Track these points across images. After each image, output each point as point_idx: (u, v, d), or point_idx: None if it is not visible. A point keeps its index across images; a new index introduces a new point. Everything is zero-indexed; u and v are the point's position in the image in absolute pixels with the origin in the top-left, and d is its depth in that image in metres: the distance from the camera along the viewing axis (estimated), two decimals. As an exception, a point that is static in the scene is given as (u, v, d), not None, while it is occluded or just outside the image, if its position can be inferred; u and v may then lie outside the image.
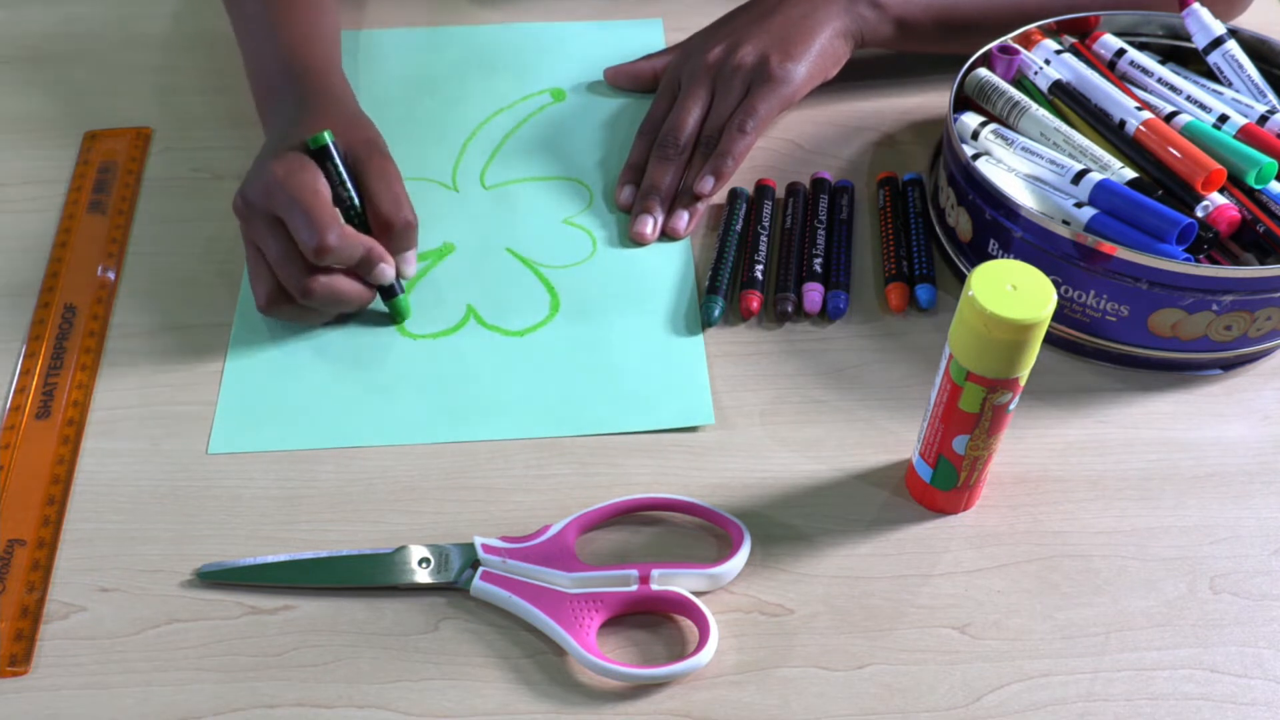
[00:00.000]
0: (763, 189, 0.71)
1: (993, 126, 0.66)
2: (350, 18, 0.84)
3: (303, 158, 0.61)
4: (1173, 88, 0.68)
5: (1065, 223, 0.61)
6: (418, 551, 0.54)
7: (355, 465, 0.59)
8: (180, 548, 0.55)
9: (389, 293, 0.63)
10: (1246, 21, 0.78)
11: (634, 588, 0.52)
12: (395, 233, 0.62)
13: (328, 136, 0.61)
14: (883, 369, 0.63)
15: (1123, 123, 0.65)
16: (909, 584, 0.54)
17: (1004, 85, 0.68)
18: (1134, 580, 0.55)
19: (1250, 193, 0.62)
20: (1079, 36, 0.72)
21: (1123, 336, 0.61)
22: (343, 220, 0.60)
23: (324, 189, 0.60)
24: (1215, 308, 0.59)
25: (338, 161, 0.61)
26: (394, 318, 0.64)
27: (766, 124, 0.71)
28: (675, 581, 0.53)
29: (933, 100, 0.78)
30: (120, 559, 0.55)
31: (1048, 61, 0.69)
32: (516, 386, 0.62)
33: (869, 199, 0.72)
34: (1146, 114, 0.64)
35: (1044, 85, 0.68)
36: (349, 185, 0.62)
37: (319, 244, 0.58)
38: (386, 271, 0.62)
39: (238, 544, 0.55)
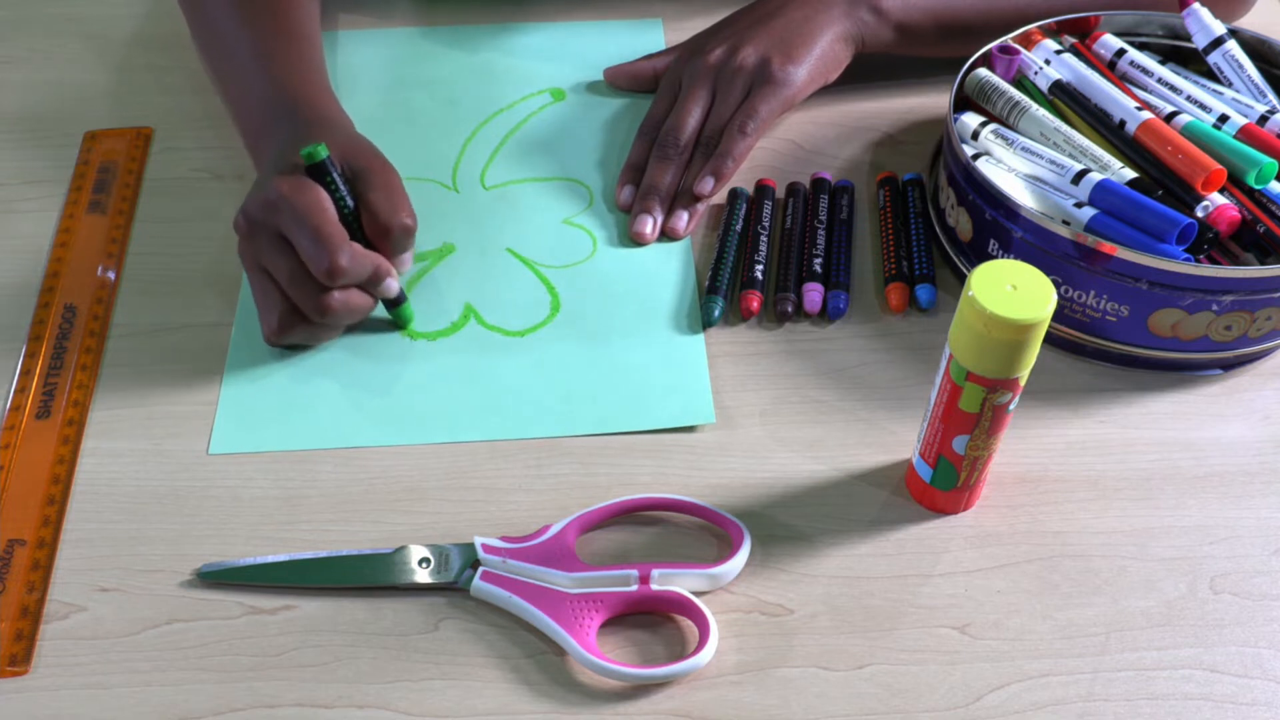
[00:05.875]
0: (763, 189, 0.71)
1: (993, 126, 0.66)
2: (351, 18, 0.84)
3: (305, 177, 0.59)
4: (1173, 88, 0.68)
5: (1065, 223, 0.61)
6: (418, 551, 0.54)
7: (355, 465, 0.59)
8: (180, 548, 0.55)
9: (394, 301, 0.63)
10: (1246, 21, 0.78)
11: (634, 588, 0.52)
12: (393, 238, 0.61)
13: (323, 150, 0.59)
14: (883, 369, 0.63)
15: (1123, 123, 0.65)
16: (909, 584, 0.54)
17: (1004, 85, 0.68)
18: (1134, 580, 0.55)
19: (1250, 193, 0.62)
20: (1079, 36, 0.72)
21: (1123, 336, 0.61)
22: (349, 238, 0.59)
23: (330, 205, 0.59)
24: (1215, 308, 0.59)
25: (334, 175, 0.60)
26: (397, 324, 0.64)
27: (767, 126, 0.71)
28: (675, 581, 0.53)
29: (933, 100, 0.78)
30: (120, 559, 0.55)
31: (1048, 61, 0.69)
32: (516, 386, 0.62)
33: (869, 199, 0.72)
34: (1146, 114, 0.64)
35: (1044, 85, 0.68)
36: (346, 194, 0.60)
37: (331, 266, 0.57)
38: (392, 285, 0.61)
39: (238, 544, 0.55)
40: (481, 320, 0.65)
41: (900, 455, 0.59)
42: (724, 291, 0.65)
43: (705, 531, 0.56)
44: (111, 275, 0.67)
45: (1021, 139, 0.65)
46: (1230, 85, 0.69)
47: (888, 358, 0.63)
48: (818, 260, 0.66)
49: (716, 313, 0.64)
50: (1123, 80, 0.69)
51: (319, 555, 0.55)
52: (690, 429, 0.60)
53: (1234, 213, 0.61)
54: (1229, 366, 0.63)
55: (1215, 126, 0.65)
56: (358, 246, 0.59)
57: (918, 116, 0.77)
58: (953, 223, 0.66)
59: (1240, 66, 0.68)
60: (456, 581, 0.53)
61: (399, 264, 0.63)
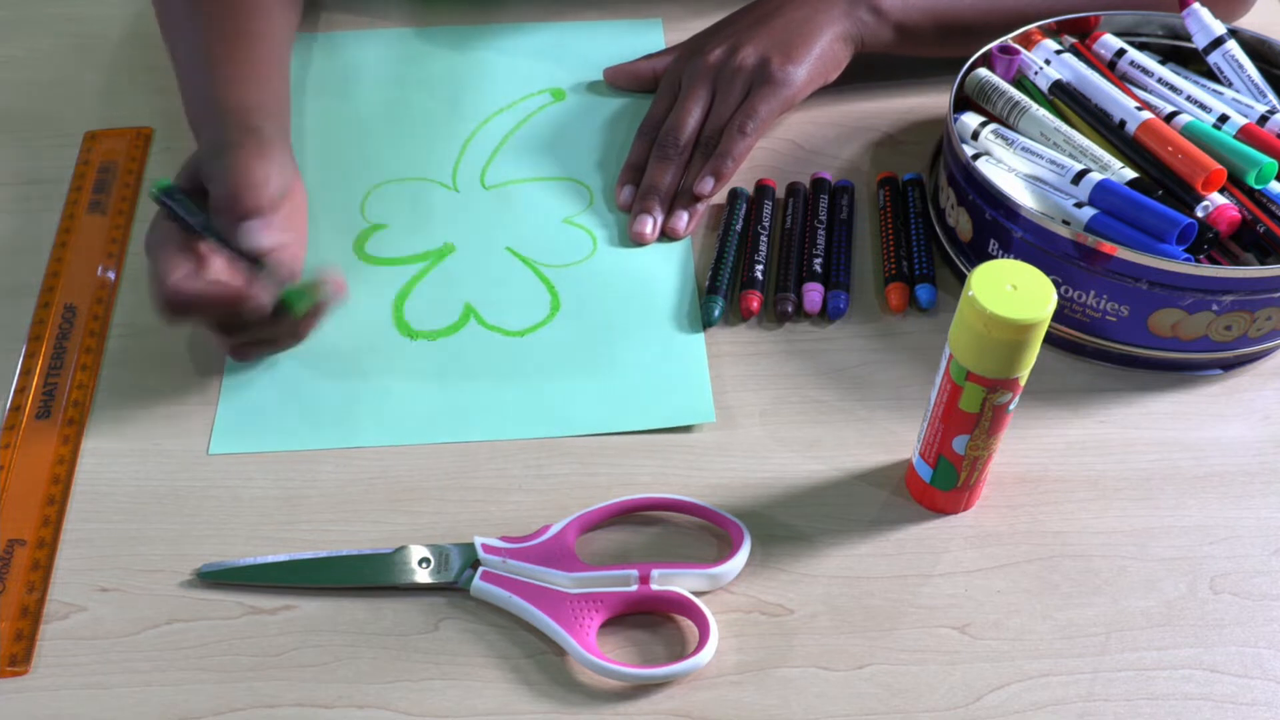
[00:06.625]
0: (763, 189, 0.71)
1: (993, 126, 0.66)
2: (351, 18, 0.84)
3: (157, 216, 0.59)
4: (1173, 88, 0.68)
5: (1065, 223, 0.61)
6: (418, 551, 0.54)
7: (355, 465, 0.59)
8: (180, 548, 0.55)
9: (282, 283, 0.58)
10: (1246, 21, 0.78)
11: (634, 588, 0.52)
12: (223, 214, 0.58)
13: (165, 182, 0.58)
14: (883, 369, 0.63)
15: (1123, 123, 0.65)
16: (909, 584, 0.54)
17: (1004, 85, 0.68)
18: (1134, 580, 0.55)
19: (1250, 193, 0.62)
20: (1079, 36, 0.72)
21: (1123, 336, 0.61)
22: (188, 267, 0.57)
23: (171, 240, 0.57)
24: (1215, 308, 0.59)
25: (175, 208, 0.58)
26: (285, 307, 0.58)
27: (767, 126, 0.71)
28: (675, 581, 0.53)
29: (933, 100, 0.78)
30: (120, 559, 0.55)
31: (1048, 61, 0.69)
32: (517, 386, 0.62)
33: (869, 199, 0.72)
34: (1146, 114, 0.64)
35: (1044, 85, 0.68)
36: (185, 215, 0.58)
37: (165, 297, 0.56)
38: (255, 235, 0.57)
39: (238, 544, 0.55)
40: (481, 320, 0.65)
41: (900, 455, 0.59)
42: (724, 291, 0.65)
43: (705, 531, 0.56)
44: (111, 275, 0.67)
45: (1021, 139, 0.65)
46: (1230, 85, 0.69)
47: (888, 358, 0.63)
48: (818, 260, 0.66)
49: (716, 313, 0.64)
50: (1123, 80, 0.69)
51: (319, 555, 0.55)
52: (690, 429, 0.60)
53: (1234, 213, 0.61)
54: (1229, 366, 0.63)
55: (1215, 126, 0.65)
56: (184, 279, 0.56)
57: (918, 116, 0.77)
58: (953, 223, 0.66)
59: (1240, 66, 0.68)
60: (456, 581, 0.53)
61: (243, 233, 0.57)
